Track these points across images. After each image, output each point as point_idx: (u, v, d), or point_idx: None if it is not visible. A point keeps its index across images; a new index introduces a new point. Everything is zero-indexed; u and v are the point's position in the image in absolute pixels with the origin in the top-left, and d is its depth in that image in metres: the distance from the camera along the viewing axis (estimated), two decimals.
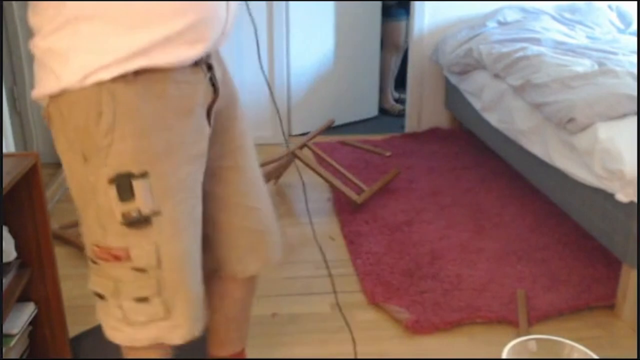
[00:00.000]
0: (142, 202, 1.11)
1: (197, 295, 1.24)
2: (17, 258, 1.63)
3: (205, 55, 1.14)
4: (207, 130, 1.20)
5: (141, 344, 1.23)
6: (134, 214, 1.11)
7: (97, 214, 1.14)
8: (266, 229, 1.40)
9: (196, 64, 1.13)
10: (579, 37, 3.20)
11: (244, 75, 3.53)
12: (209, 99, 1.18)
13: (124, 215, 1.11)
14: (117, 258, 1.15)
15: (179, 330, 1.22)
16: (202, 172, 1.21)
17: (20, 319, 1.63)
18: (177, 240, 1.16)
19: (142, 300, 1.18)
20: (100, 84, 1.04)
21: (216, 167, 1.29)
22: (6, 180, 1.42)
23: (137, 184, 1.09)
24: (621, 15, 3.52)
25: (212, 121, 1.22)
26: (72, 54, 1.04)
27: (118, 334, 1.23)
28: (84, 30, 1.02)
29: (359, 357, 1.88)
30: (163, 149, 1.11)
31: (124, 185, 1.09)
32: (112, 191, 1.09)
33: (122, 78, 1.05)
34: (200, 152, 1.19)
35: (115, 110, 1.06)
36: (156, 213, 1.12)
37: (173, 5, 1.04)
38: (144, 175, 1.10)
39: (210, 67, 1.18)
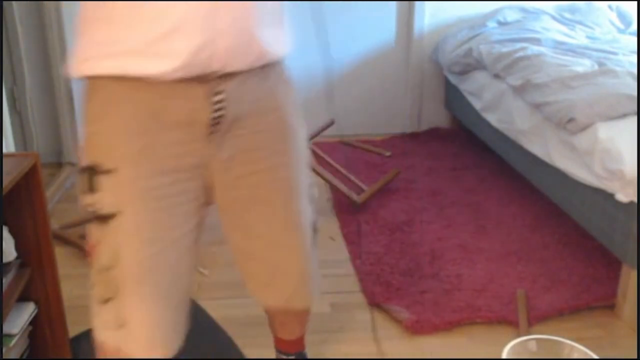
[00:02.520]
0: (103, 198, 1.11)
1: (160, 317, 1.17)
2: (17, 258, 1.64)
3: (210, 73, 1.08)
4: (197, 148, 1.14)
5: (109, 347, 1.20)
6: (95, 208, 1.12)
7: None
8: (286, 270, 1.33)
9: (198, 81, 1.07)
10: (579, 37, 3.20)
11: None
12: (205, 118, 1.12)
13: (87, 207, 1.13)
14: (91, 251, 1.17)
15: (136, 345, 1.18)
16: (187, 189, 1.16)
17: (20, 319, 1.63)
18: (137, 248, 1.13)
19: (105, 301, 1.17)
20: (93, 76, 1.09)
21: (230, 194, 1.25)
22: (6, 180, 1.42)
23: (102, 179, 1.11)
24: (621, 15, 3.52)
25: (219, 143, 1.16)
26: (78, 44, 1.11)
27: (96, 332, 1.21)
28: (85, 26, 1.09)
29: (359, 357, 1.88)
30: (135, 152, 1.10)
31: (91, 176, 1.12)
32: (83, 180, 1.13)
33: (112, 76, 1.07)
34: (180, 167, 1.14)
35: (100, 103, 1.10)
36: (117, 213, 1.11)
37: (137, 16, 1.02)
38: (110, 172, 1.10)
39: (219, 90, 1.11)
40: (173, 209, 1.15)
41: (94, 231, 1.14)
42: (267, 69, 1.18)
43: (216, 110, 1.11)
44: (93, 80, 1.10)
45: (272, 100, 1.22)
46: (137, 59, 1.04)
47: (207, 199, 1.24)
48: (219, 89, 1.10)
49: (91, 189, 1.12)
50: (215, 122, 1.13)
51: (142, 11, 1.02)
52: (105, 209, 1.12)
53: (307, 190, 1.34)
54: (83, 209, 1.14)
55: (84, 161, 1.13)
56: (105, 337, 1.19)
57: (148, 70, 1.04)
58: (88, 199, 1.13)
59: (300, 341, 1.63)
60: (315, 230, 1.39)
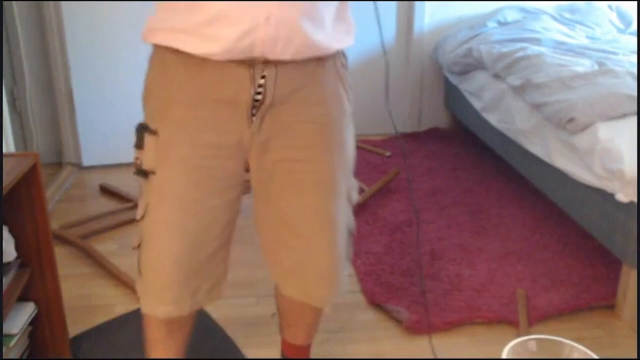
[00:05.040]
0: (146, 155, 1.22)
1: (173, 277, 1.24)
2: (17, 258, 1.64)
3: (255, 58, 1.13)
4: (237, 127, 1.20)
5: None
6: (138, 163, 1.24)
7: None
8: (313, 263, 1.32)
9: (245, 64, 1.13)
10: (579, 37, 3.20)
11: None
12: (247, 99, 1.17)
13: (135, 161, 1.24)
14: (138, 199, 1.30)
15: (143, 298, 1.30)
16: (224, 166, 1.22)
17: (20, 319, 1.63)
18: (160, 207, 1.23)
19: (136, 247, 1.30)
20: (157, 45, 1.20)
21: (265, 176, 1.27)
22: (6, 180, 1.43)
23: (147, 138, 1.22)
24: (621, 15, 3.52)
25: (258, 125, 1.20)
26: (153, 14, 1.21)
27: None
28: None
29: (359, 357, 1.88)
30: (179, 120, 1.19)
31: (140, 134, 1.23)
32: (136, 135, 1.24)
33: (170, 48, 1.16)
34: (220, 143, 1.20)
35: (157, 70, 1.22)
36: (152, 172, 1.22)
37: (189, 2, 1.11)
38: (154, 133, 1.20)
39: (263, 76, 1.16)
40: (207, 181, 1.22)
41: (140, 183, 1.26)
42: (320, 61, 1.21)
43: (257, 93, 1.16)
44: (156, 49, 1.21)
45: (318, 93, 1.23)
46: (188, 37, 1.13)
47: (244, 181, 1.28)
48: (264, 74, 1.15)
49: (139, 145, 1.23)
50: (256, 104, 1.18)
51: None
52: (145, 166, 1.23)
53: (345, 192, 1.33)
54: (134, 160, 1.26)
55: (142, 119, 1.25)
56: (136, 280, 1.33)
57: (196, 49, 1.13)
58: (136, 153, 1.24)
59: (305, 351, 1.61)
60: (350, 233, 1.37)
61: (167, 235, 1.23)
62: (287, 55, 1.14)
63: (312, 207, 1.29)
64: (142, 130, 1.22)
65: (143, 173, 1.23)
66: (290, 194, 1.28)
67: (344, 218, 1.34)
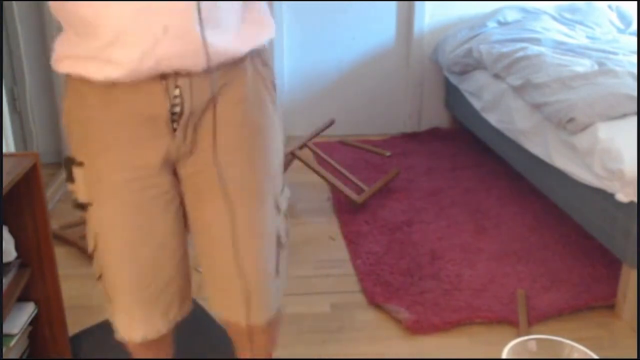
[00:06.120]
0: (78, 188, 1.20)
1: (136, 302, 1.23)
2: (17, 258, 1.64)
3: (171, 72, 1.08)
4: (162, 143, 1.15)
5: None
6: (74, 197, 1.22)
7: None
8: (245, 283, 1.24)
9: (157, 78, 1.08)
10: (579, 37, 3.20)
11: None
12: (165, 113, 1.11)
13: (71, 194, 1.22)
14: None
15: (118, 323, 1.27)
16: (158, 183, 1.17)
17: (20, 319, 1.63)
18: (107, 237, 1.21)
19: (98, 277, 1.28)
20: (66, 74, 1.14)
21: (191, 188, 1.22)
22: (6, 180, 1.43)
23: (76, 171, 1.19)
24: (621, 15, 3.52)
25: (182, 137, 1.15)
26: (57, 41, 1.16)
27: None
28: (61, 26, 1.14)
29: (359, 357, 1.88)
30: (102, 147, 1.15)
31: (68, 168, 1.20)
32: (65, 169, 1.22)
33: (79, 76, 1.11)
34: (148, 162, 1.16)
35: (72, 99, 1.16)
36: (90, 203, 1.20)
37: (85, 26, 1.06)
38: (81, 164, 1.18)
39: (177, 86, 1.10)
40: (147, 203, 1.18)
41: (85, 215, 1.23)
42: (235, 63, 1.15)
43: (174, 105, 1.11)
44: (67, 77, 1.16)
45: (237, 93, 1.17)
46: (91, 64, 1.08)
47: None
48: (177, 84, 1.10)
49: (70, 179, 1.21)
50: (175, 117, 1.13)
51: (86, 22, 1.05)
52: (81, 199, 1.21)
53: (272, 197, 1.25)
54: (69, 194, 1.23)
55: (69, 151, 1.21)
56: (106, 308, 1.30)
57: (101, 75, 1.08)
58: (70, 187, 1.22)
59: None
60: (280, 244, 1.29)
61: (121, 264, 1.21)
62: (197, 66, 1.08)
63: (234, 218, 1.20)
64: (69, 163, 1.19)
65: (81, 206, 1.21)
66: (213, 204, 1.20)
67: (272, 227, 1.26)
